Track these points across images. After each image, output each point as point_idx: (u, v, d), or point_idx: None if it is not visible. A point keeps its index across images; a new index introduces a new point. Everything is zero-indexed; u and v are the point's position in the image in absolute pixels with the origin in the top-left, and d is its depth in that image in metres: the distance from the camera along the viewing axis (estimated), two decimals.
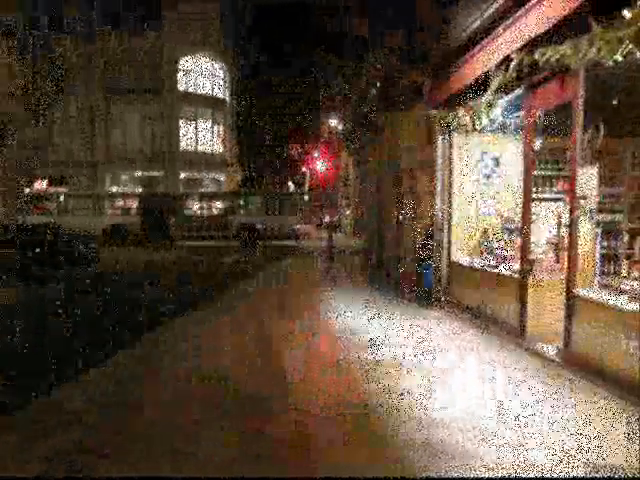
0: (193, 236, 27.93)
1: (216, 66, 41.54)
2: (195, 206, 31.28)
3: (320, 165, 21.45)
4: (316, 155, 25.70)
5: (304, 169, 69.01)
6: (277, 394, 5.32)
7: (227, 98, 42.43)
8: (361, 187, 20.52)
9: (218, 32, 40.41)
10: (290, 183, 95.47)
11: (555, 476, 3.69)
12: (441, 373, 5.93)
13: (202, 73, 40.63)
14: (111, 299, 10.95)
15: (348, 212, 41.11)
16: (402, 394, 5.24)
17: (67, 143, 39.92)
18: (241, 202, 31.05)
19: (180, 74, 39.26)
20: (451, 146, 9.42)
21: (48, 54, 23.49)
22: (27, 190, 32.18)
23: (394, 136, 13.40)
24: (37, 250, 14.40)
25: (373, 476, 3.71)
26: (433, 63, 8.71)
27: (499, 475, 3.67)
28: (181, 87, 39.29)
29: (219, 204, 31.29)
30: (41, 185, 40.06)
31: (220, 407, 4.99)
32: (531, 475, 3.69)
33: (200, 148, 40.61)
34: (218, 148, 42.02)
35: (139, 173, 39.62)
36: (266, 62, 47.41)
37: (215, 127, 41.74)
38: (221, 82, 42.18)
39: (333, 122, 43.82)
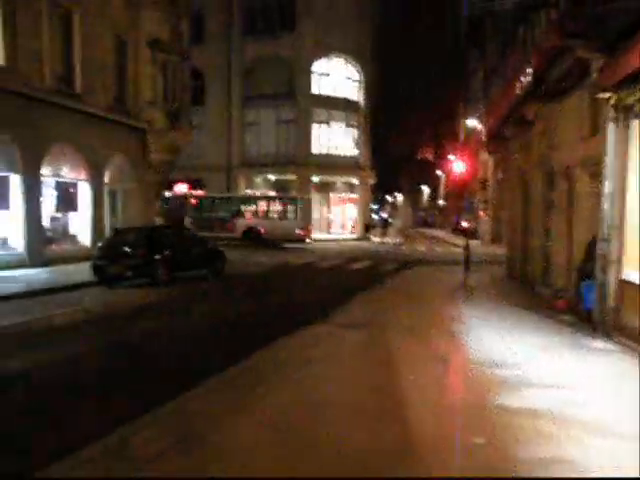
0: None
1: (350, 68, 40.97)
2: None
3: (456, 167, 19.71)
4: (452, 157, 23.84)
5: (439, 172, 66.70)
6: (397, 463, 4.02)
7: (361, 100, 41.66)
8: (503, 189, 18.43)
9: (353, 34, 39.80)
10: (425, 187, 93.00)
11: None
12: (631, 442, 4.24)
13: (336, 76, 40.23)
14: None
15: (486, 217, 38.45)
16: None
17: (205, 148, 41.50)
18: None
19: (314, 77, 39.16)
20: (627, 137, 7.52)
21: (185, 62, 23.91)
22: (168, 193, 33.67)
23: (546, 130, 11.53)
24: (166, 252, 14.29)
25: None
26: (610, 32, 6.92)
27: None
28: (315, 90, 39.15)
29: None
30: (180, 188, 42.09)
31: None
32: None
33: (333, 151, 40.24)
34: (351, 151, 41.40)
35: (272, 177, 40.08)
36: (401, 62, 46.05)
37: (348, 130, 41.17)
38: (355, 84, 41.52)
39: (472, 121, 41.58)
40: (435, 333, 7.90)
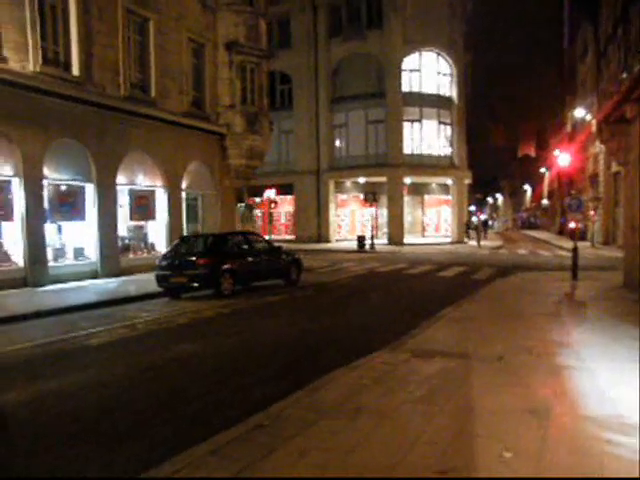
0: None
1: (442, 62, 38.67)
2: None
3: (562, 160, 17.25)
4: (557, 152, 21.07)
5: (542, 169, 62.20)
6: None
7: (454, 95, 39.20)
8: (620, 184, 15.84)
9: (444, 25, 37.57)
10: (527, 186, 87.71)
11: None
12: None
13: (427, 71, 38.10)
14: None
15: (596, 217, 34.72)
16: None
17: (294, 152, 40.90)
18: None
19: (404, 74, 37.29)
20: None
21: (265, 64, 23.07)
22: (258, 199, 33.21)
23: None
24: (233, 261, 13.28)
25: None
26: None
27: None
28: (405, 88, 37.27)
29: None
30: (270, 195, 41.72)
31: None
32: None
33: (425, 151, 38.09)
34: (445, 150, 39.03)
35: (362, 179, 38.59)
36: (498, 51, 43.05)
37: (441, 128, 38.86)
38: (447, 79, 39.14)
39: (580, 112, 37.87)
40: (535, 367, 6.05)
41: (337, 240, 39.19)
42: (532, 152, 65.98)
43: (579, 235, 25.16)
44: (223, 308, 11.44)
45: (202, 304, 12.16)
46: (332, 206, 39.59)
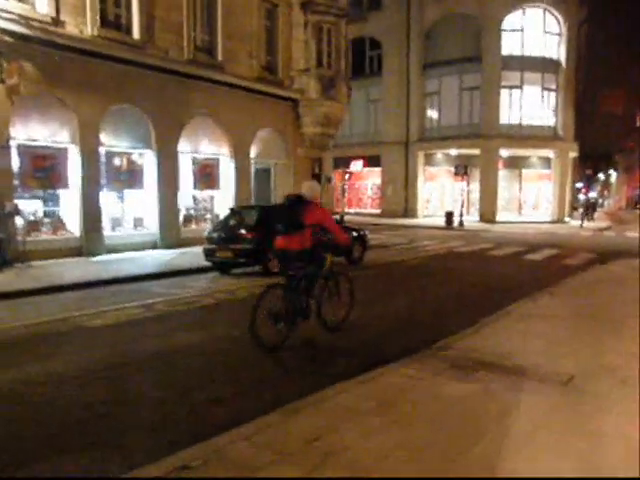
0: None
1: (549, 20, 34.88)
2: None
3: None
4: None
5: None
6: None
7: (562, 58, 35.34)
8: None
9: None
10: None
11: None
12: None
13: (531, 31, 34.53)
14: None
15: None
16: None
17: (382, 122, 38.95)
18: None
19: (505, 35, 34.02)
20: None
21: (343, 24, 21.46)
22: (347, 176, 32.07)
23: None
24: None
25: None
26: None
27: None
28: (505, 51, 34.01)
29: None
30: (357, 166, 40.16)
31: None
32: None
33: (525, 121, 34.72)
34: (548, 120, 35.43)
35: (454, 151, 36.01)
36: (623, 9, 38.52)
37: (545, 95, 35.24)
38: (555, 40, 35.31)
39: None
40: (617, 400, 4.32)
41: (425, 215, 37.01)
42: None
43: None
44: (261, 288, 10.24)
45: (244, 282, 11.06)
46: (420, 179, 37.39)
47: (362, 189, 41.91)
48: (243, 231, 11.67)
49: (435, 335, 6.39)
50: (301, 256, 6.29)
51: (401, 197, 37.89)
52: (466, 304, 8.98)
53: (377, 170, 39.54)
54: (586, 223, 35.08)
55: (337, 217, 23.42)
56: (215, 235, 12.21)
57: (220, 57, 17.76)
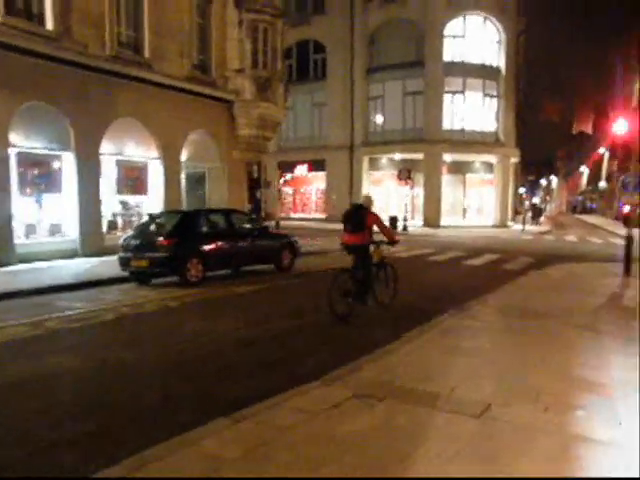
0: None
1: (490, 28, 35.21)
2: None
3: (618, 127, 14.33)
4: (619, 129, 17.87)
5: (602, 150, 57.48)
6: None
7: (502, 66, 35.71)
8: None
9: None
10: (584, 168, 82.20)
11: None
12: None
13: (472, 38, 34.76)
14: None
15: None
16: None
17: (326, 127, 38.47)
18: None
19: (446, 41, 34.13)
20: None
21: (279, 24, 20.79)
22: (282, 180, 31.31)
23: None
24: (204, 243, 11.29)
25: None
26: None
27: None
28: (447, 57, 34.11)
29: None
30: (300, 171, 39.52)
31: None
32: None
33: (467, 126, 34.89)
34: (490, 126, 35.70)
35: (398, 156, 35.84)
36: (553, 16, 39.33)
37: (486, 101, 35.52)
38: (495, 48, 35.67)
39: None
40: (535, 439, 3.72)
41: None
42: (589, 129, 61.17)
43: (637, 221, 21.98)
44: (174, 301, 9.40)
45: (158, 293, 10.17)
46: (365, 184, 37.08)
47: (307, 194, 41.29)
48: (160, 238, 10.77)
49: (346, 355, 5.73)
50: (362, 249, 8.29)
51: (346, 202, 37.36)
52: (392, 316, 8.37)
53: (322, 174, 39.04)
54: (528, 227, 35.51)
55: (272, 223, 22.75)
56: (130, 242, 11.26)
57: (147, 54, 16.78)
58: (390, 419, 3.93)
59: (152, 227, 11.61)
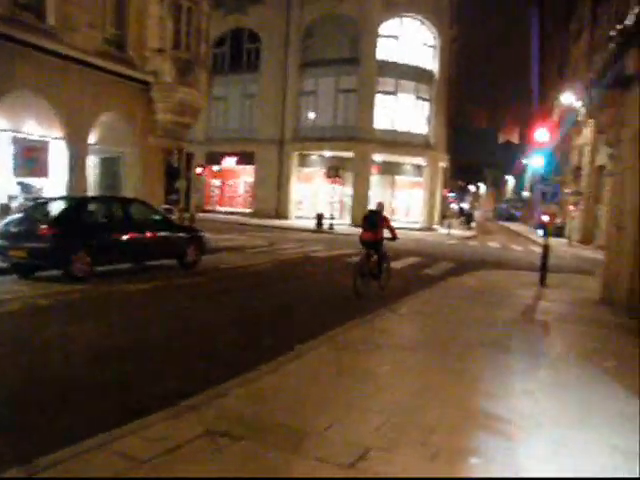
0: None
1: (425, 32, 35.21)
2: None
3: (539, 136, 14.16)
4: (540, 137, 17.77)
5: (524, 160, 59.28)
6: None
7: (435, 70, 35.81)
8: (612, 170, 12.95)
9: None
10: (510, 177, 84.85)
11: None
12: None
13: (407, 40, 34.64)
14: None
15: (576, 212, 32.01)
16: None
17: (257, 119, 37.40)
18: None
19: (381, 41, 33.82)
20: None
21: (205, 4, 19.58)
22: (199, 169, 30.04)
23: None
24: (92, 234, 10.11)
25: None
26: None
27: None
28: (381, 56, 33.79)
29: None
30: (228, 163, 38.24)
31: None
32: None
33: (399, 127, 34.74)
34: (421, 129, 35.71)
35: (329, 153, 35.29)
36: (485, 27, 39.91)
37: (419, 104, 35.50)
38: (430, 52, 35.71)
39: (568, 98, 34.75)
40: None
41: (297, 217, 35.93)
42: (515, 139, 62.99)
43: (555, 231, 22.18)
44: (46, 299, 8.19)
45: (33, 289, 8.89)
46: (294, 180, 36.30)
47: (235, 187, 40.04)
48: (41, 226, 9.51)
49: (229, 371, 4.88)
50: (377, 243, 10.25)
51: (273, 197, 36.53)
52: (288, 324, 7.57)
53: (250, 168, 37.94)
54: (453, 231, 35.80)
55: (186, 216, 21.37)
56: (10, 229, 9.93)
57: (52, 22, 15.19)
58: (237, 470, 3.11)
59: (38, 214, 10.31)
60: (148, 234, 11.03)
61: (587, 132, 32.74)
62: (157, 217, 11.73)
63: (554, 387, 5.07)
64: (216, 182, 40.02)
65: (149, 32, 18.26)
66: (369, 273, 10.05)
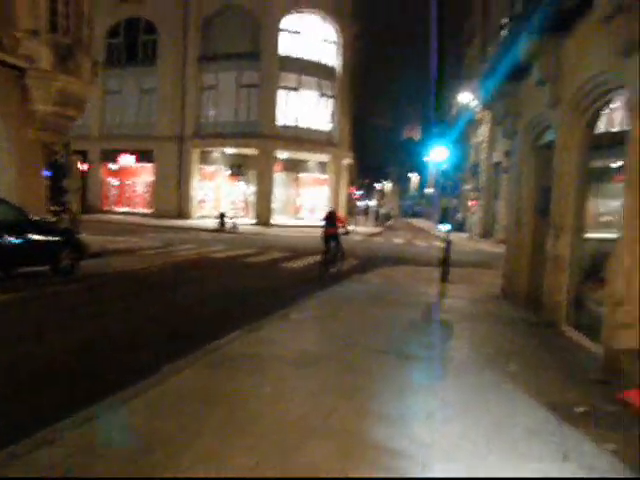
0: None
1: (328, 28, 34.88)
2: None
3: (437, 154, 14.01)
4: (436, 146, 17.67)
5: (426, 159, 60.84)
6: None
7: (338, 67, 35.59)
8: (508, 164, 12.92)
9: None
10: (414, 174, 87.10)
11: None
12: None
13: (310, 36, 34.15)
14: None
15: (476, 207, 32.93)
16: None
17: (155, 114, 35.53)
18: None
19: (283, 36, 33.10)
20: None
21: None
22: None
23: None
24: None
25: None
26: None
27: None
28: (283, 51, 33.08)
29: None
30: (126, 161, 36.11)
31: None
32: None
33: (303, 124, 34.19)
34: (324, 125, 35.37)
35: (231, 150, 34.16)
36: (388, 25, 40.35)
37: (322, 101, 35.14)
38: (332, 48, 35.44)
39: (465, 97, 35.70)
40: None
41: (200, 217, 34.47)
42: (417, 136, 64.62)
43: (456, 226, 22.34)
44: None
45: None
46: (195, 178, 34.79)
47: (134, 187, 37.84)
48: None
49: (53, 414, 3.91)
50: (337, 236, 13.17)
51: (174, 197, 34.82)
52: (160, 340, 6.58)
53: (150, 166, 35.97)
54: (359, 228, 35.77)
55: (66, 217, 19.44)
56: None
57: None
58: None
59: None
60: (10, 238, 9.58)
61: (483, 130, 33.75)
62: (22, 218, 10.24)
63: (458, 405, 4.49)
64: (114, 181, 37.66)
65: (19, 11, 16.43)
66: (331, 262, 12.94)
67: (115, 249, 16.12)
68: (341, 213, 12.56)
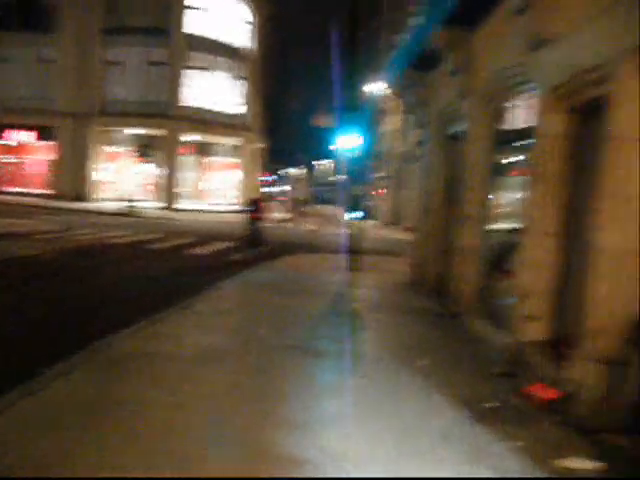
0: None
1: (242, 7, 33.91)
2: None
3: (347, 142, 13.94)
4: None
5: (334, 147, 61.18)
6: None
7: (252, 48, 34.74)
8: (417, 152, 12.99)
9: None
10: (326, 161, 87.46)
11: None
12: None
13: (221, 14, 33.03)
14: None
15: (384, 195, 33.49)
16: None
17: (55, 88, 32.99)
18: None
19: (191, 12, 31.72)
20: None
21: None
22: None
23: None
24: None
25: None
26: None
27: None
28: (195, 31, 31.76)
29: None
30: (19, 137, 33.47)
31: None
32: None
33: (214, 107, 33.11)
34: (237, 109, 34.48)
35: (139, 131, 32.54)
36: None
37: (234, 83, 34.21)
38: (247, 29, 34.52)
39: (374, 86, 35.88)
40: None
41: (103, 200, 32.52)
42: (329, 123, 64.65)
43: (366, 213, 22.49)
44: None
45: None
46: (98, 159, 32.80)
47: (33, 166, 35.04)
48: None
49: None
50: (260, 220, 15.29)
51: (76, 177, 32.68)
52: (38, 339, 5.86)
53: (49, 144, 33.44)
54: (272, 215, 35.21)
55: None
56: None
57: None
58: None
59: None
60: None
61: (393, 119, 34.21)
62: None
63: (369, 406, 4.27)
64: (8, 159, 34.73)
65: None
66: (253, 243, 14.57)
67: (6, 232, 14.88)
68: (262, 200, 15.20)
